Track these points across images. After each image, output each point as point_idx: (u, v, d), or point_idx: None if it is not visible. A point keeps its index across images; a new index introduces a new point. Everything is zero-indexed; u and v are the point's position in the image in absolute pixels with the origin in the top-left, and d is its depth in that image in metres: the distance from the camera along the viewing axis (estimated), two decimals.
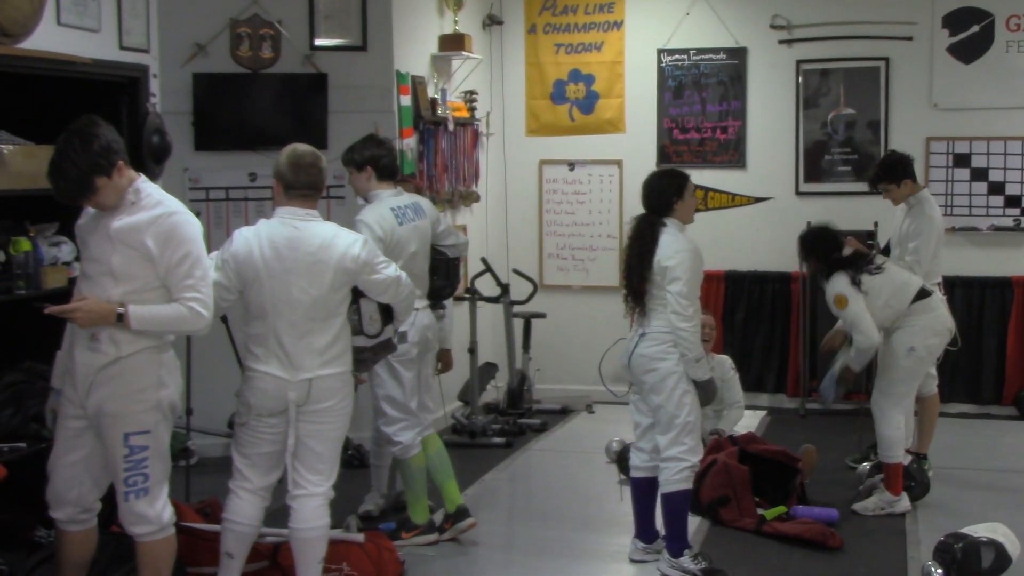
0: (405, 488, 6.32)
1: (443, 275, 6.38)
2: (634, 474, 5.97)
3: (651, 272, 5.67)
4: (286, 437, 5.00)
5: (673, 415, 5.67)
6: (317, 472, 5.08)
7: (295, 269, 4.93)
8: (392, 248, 5.91)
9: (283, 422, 4.98)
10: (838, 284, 6.64)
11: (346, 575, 5.46)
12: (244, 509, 5.05)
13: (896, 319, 6.65)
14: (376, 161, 6.10)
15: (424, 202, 6.36)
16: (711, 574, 5.67)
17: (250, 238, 4.98)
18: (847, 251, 6.76)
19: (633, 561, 5.95)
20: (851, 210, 8.66)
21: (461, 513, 6.29)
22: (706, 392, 5.75)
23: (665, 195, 5.85)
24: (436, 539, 6.22)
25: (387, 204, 6.04)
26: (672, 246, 5.67)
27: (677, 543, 5.75)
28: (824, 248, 6.83)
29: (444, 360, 6.71)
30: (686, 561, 5.70)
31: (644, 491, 5.95)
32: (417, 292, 6.10)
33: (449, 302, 6.65)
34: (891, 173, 7.33)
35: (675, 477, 5.69)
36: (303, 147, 5.13)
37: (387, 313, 5.25)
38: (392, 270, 5.20)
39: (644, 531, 5.98)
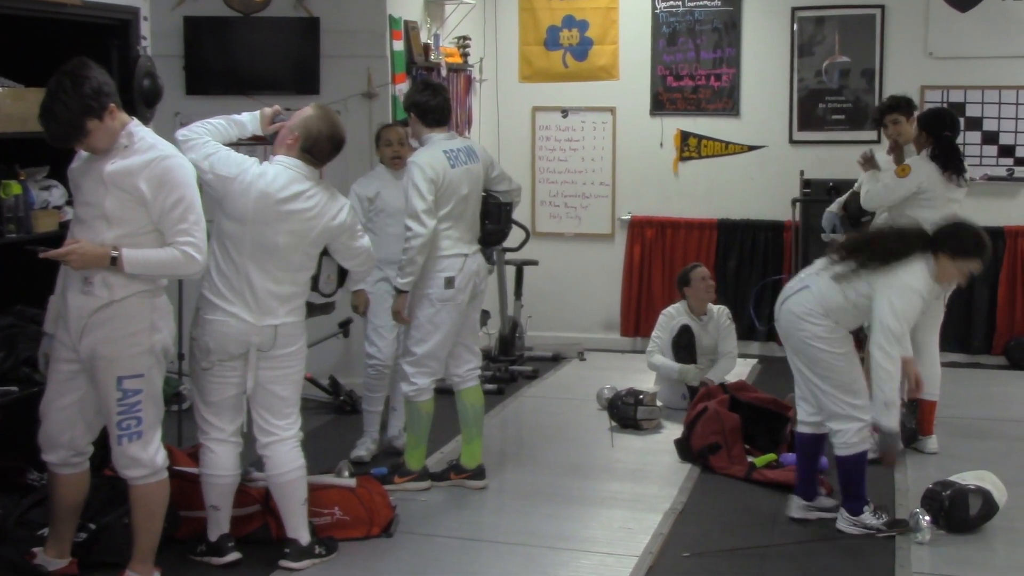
0: (407, 430, 6.34)
1: (495, 220, 6.36)
2: (800, 429, 5.82)
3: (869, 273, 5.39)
4: (244, 380, 5.03)
5: (830, 380, 5.52)
6: (284, 416, 5.13)
7: (286, 221, 4.94)
8: (444, 190, 5.94)
9: (242, 365, 5.01)
10: (922, 163, 6.72)
11: (338, 520, 5.49)
12: (220, 461, 5.08)
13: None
14: (420, 107, 6.07)
15: (478, 147, 6.36)
16: (894, 526, 5.62)
17: (254, 181, 4.91)
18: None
19: (793, 519, 5.82)
20: (845, 159, 8.60)
21: (478, 473, 6.33)
22: (885, 445, 5.46)
23: (951, 244, 5.42)
24: (428, 486, 6.25)
25: (440, 147, 6.03)
26: (906, 278, 5.33)
27: (856, 501, 5.64)
28: (938, 126, 6.81)
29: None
30: (867, 517, 5.62)
31: (808, 448, 5.82)
32: (466, 237, 6.14)
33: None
34: (906, 104, 7.25)
35: (852, 440, 5.52)
36: (342, 127, 5.15)
37: (341, 277, 5.32)
38: (366, 241, 5.30)
39: (806, 488, 5.83)
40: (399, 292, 6.00)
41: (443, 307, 6.06)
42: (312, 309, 5.32)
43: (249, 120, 5.20)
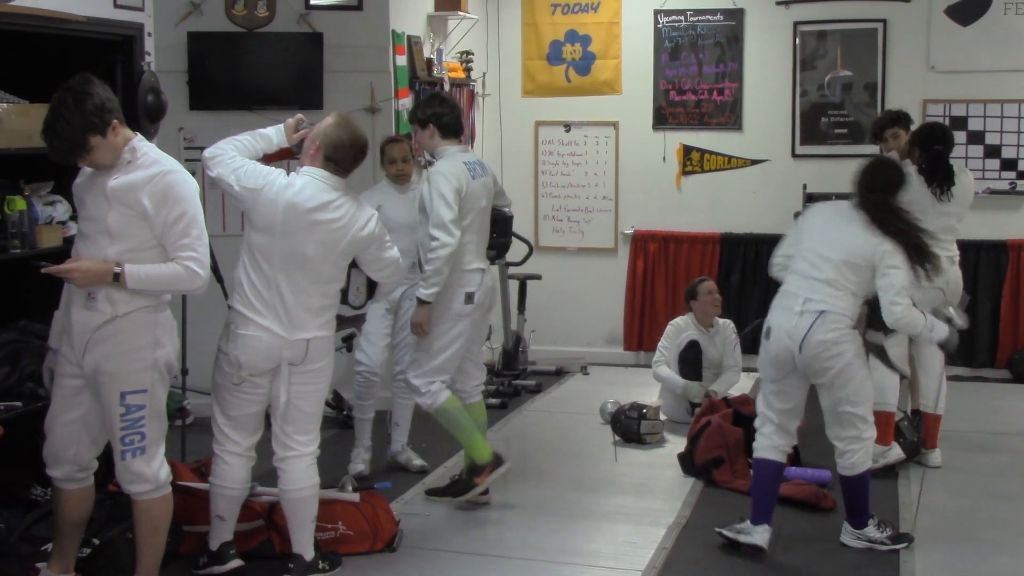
0: (456, 435, 6.19)
1: (502, 232, 6.39)
2: (769, 455, 5.63)
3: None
4: (269, 396, 5.02)
5: (855, 402, 5.48)
6: (306, 432, 5.10)
7: (315, 232, 4.93)
8: (466, 201, 5.92)
9: (269, 382, 4.99)
10: (911, 174, 6.66)
11: (342, 534, 5.49)
12: (232, 473, 5.06)
13: None
14: (438, 119, 6.05)
15: (484, 161, 6.37)
16: (899, 539, 5.63)
17: (279, 192, 4.90)
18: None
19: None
20: (848, 173, 8.55)
21: (497, 461, 6.21)
22: (949, 343, 5.60)
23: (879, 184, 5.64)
24: (509, 466, 6.18)
25: (460, 158, 6.03)
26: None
27: (861, 516, 5.63)
28: (929, 140, 6.81)
29: None
30: (871, 530, 5.62)
31: (773, 473, 5.70)
32: (480, 251, 6.13)
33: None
34: (904, 118, 7.30)
35: (859, 460, 5.51)
36: (363, 133, 5.15)
37: (371, 289, 5.31)
38: (395, 252, 5.25)
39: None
40: (421, 303, 5.93)
41: (460, 322, 6.03)
42: (342, 321, 5.31)
43: (275, 133, 5.17)
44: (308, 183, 4.99)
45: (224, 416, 5.05)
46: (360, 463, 6.72)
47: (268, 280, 4.93)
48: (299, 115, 5.28)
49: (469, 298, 6.02)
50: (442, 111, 6.08)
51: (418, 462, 6.84)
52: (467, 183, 5.95)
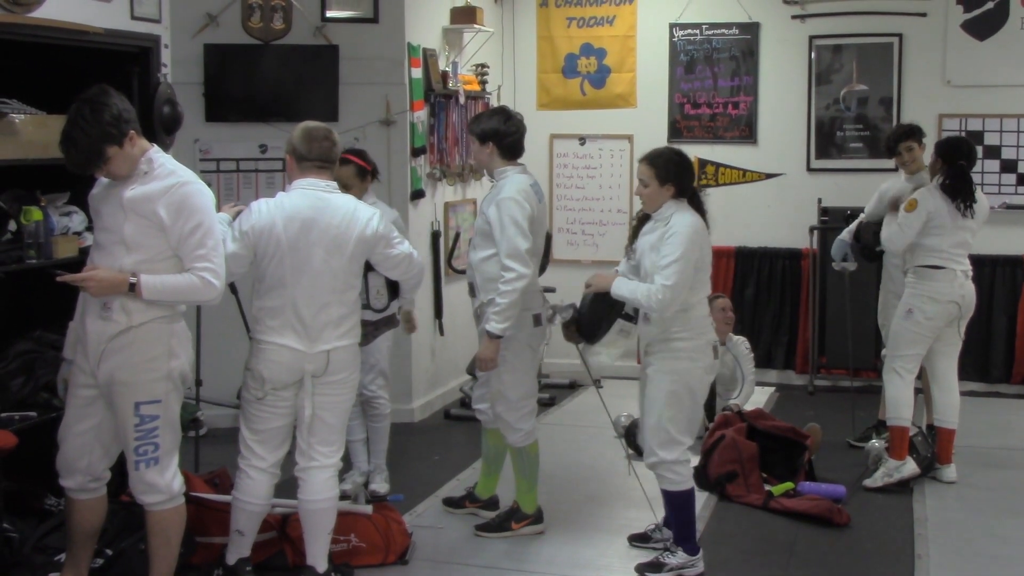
0: (517, 476, 6.08)
1: (545, 251, 6.17)
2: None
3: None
4: (295, 410, 5.01)
5: None
6: (328, 444, 5.09)
7: (319, 240, 4.93)
8: (534, 225, 5.68)
9: (294, 395, 4.99)
10: (928, 194, 6.71)
11: (354, 546, 5.49)
12: (255, 488, 5.05)
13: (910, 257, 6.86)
14: (500, 138, 5.73)
15: None
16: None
17: (272, 211, 4.95)
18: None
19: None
20: (863, 187, 8.61)
21: (491, 503, 6.31)
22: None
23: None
24: (543, 529, 6.09)
25: (524, 181, 5.72)
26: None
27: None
28: (954, 154, 6.79)
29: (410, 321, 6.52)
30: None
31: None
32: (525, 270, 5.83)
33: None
34: (917, 131, 7.32)
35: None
36: (315, 123, 5.15)
37: (393, 289, 5.28)
38: (406, 247, 5.21)
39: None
40: (492, 337, 5.63)
41: (528, 345, 5.88)
42: (372, 326, 5.26)
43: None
44: (297, 195, 5.00)
45: (250, 431, 5.04)
46: (348, 484, 6.40)
47: (285, 300, 4.93)
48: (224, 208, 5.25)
49: (537, 320, 5.84)
50: (505, 130, 5.75)
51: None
52: (535, 207, 5.73)
